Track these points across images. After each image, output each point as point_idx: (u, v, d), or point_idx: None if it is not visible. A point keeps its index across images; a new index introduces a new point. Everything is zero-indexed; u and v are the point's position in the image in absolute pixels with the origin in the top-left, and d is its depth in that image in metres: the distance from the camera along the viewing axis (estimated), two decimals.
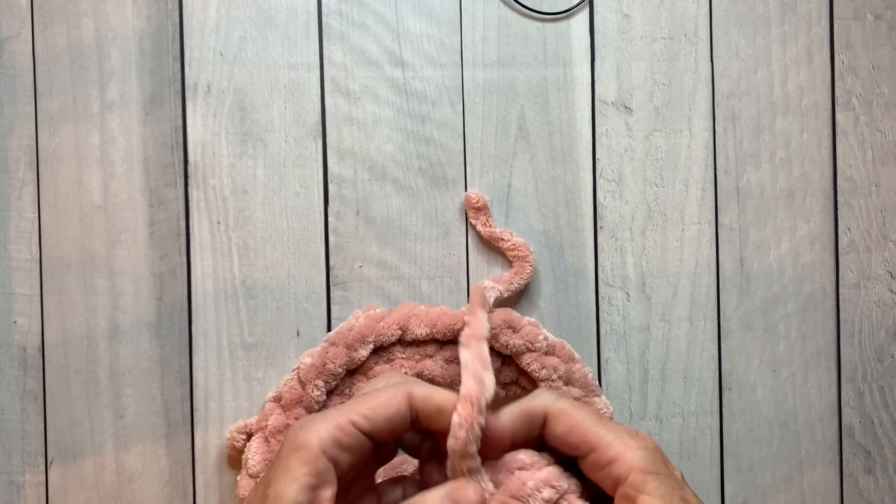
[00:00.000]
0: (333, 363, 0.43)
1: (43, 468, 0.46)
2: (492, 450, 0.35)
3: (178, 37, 0.46)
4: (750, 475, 0.48)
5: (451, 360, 0.45)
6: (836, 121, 0.48)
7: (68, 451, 0.46)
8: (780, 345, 0.48)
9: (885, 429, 0.48)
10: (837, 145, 0.48)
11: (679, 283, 0.47)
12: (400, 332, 0.44)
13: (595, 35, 0.47)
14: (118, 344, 0.46)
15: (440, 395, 0.34)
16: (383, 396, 0.33)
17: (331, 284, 0.46)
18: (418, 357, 0.45)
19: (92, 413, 0.46)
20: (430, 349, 0.45)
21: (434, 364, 0.45)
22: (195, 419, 0.46)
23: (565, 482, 0.34)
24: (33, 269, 0.46)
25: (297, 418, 0.43)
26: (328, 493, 0.32)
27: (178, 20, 0.46)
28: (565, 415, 0.34)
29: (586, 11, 0.47)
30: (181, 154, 0.46)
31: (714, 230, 0.48)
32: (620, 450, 0.33)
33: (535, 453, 0.34)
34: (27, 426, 0.46)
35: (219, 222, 0.46)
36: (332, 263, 0.46)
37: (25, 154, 0.46)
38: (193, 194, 0.46)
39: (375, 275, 0.46)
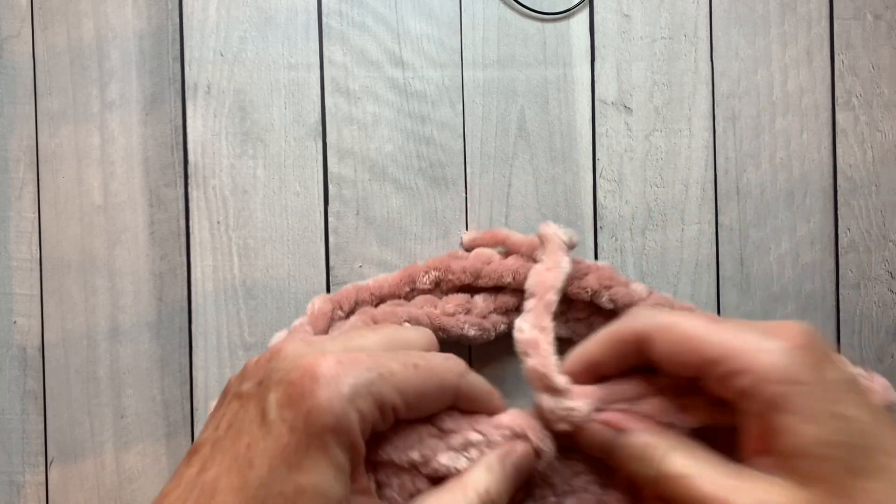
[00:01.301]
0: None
1: (43, 468, 0.46)
2: (582, 379, 0.30)
3: (178, 37, 0.46)
4: None
5: (422, 306, 0.41)
6: (836, 121, 0.48)
7: (68, 451, 0.46)
8: None
9: None
10: (837, 145, 0.48)
11: (679, 283, 0.47)
12: (355, 293, 0.42)
13: (595, 35, 0.47)
14: (118, 344, 0.46)
15: (487, 387, 0.29)
16: (432, 378, 0.26)
17: (331, 284, 0.46)
18: (390, 307, 0.42)
19: (92, 413, 0.46)
20: (398, 301, 0.42)
21: (407, 310, 0.41)
22: (195, 419, 0.46)
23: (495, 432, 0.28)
24: (33, 269, 0.46)
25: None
26: (361, 467, 0.25)
27: (178, 20, 0.46)
28: (668, 330, 0.27)
29: (586, 11, 0.47)
30: (181, 154, 0.46)
31: (714, 230, 0.48)
32: (749, 357, 0.25)
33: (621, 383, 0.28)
34: (27, 426, 0.46)
35: (219, 222, 0.46)
36: (332, 263, 0.46)
37: (25, 154, 0.46)
38: (193, 194, 0.46)
39: (375, 275, 0.46)
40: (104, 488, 0.46)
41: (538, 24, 0.47)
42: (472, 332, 0.42)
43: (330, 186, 0.46)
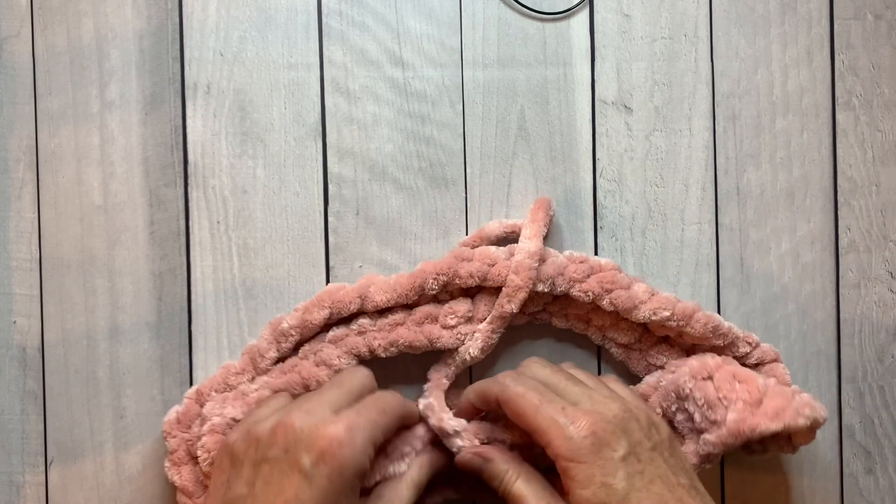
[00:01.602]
0: (287, 323, 0.43)
1: (43, 468, 0.46)
2: (460, 413, 0.43)
3: (178, 37, 0.46)
4: (750, 475, 0.48)
5: (422, 322, 0.44)
6: (836, 121, 0.48)
7: (68, 451, 0.46)
8: (780, 345, 0.48)
9: (885, 429, 0.48)
10: (837, 145, 0.48)
11: (679, 283, 0.47)
12: (360, 300, 0.43)
13: (595, 35, 0.47)
14: (118, 344, 0.46)
15: (411, 405, 0.42)
16: (393, 415, 0.39)
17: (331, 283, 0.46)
18: (389, 327, 0.44)
19: (92, 413, 0.46)
20: (399, 316, 0.44)
21: (407, 331, 0.44)
22: None
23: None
24: (33, 269, 0.46)
25: (241, 365, 0.44)
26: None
27: (178, 20, 0.46)
28: (511, 403, 0.39)
29: (586, 11, 0.47)
30: (181, 154, 0.46)
31: (714, 230, 0.48)
32: (553, 438, 0.37)
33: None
34: (27, 426, 0.46)
35: (219, 222, 0.46)
36: (332, 263, 0.46)
37: (25, 154, 0.46)
38: (193, 194, 0.46)
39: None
40: (104, 488, 0.46)
41: (538, 24, 0.47)
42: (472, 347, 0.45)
43: (330, 186, 0.46)
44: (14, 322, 0.46)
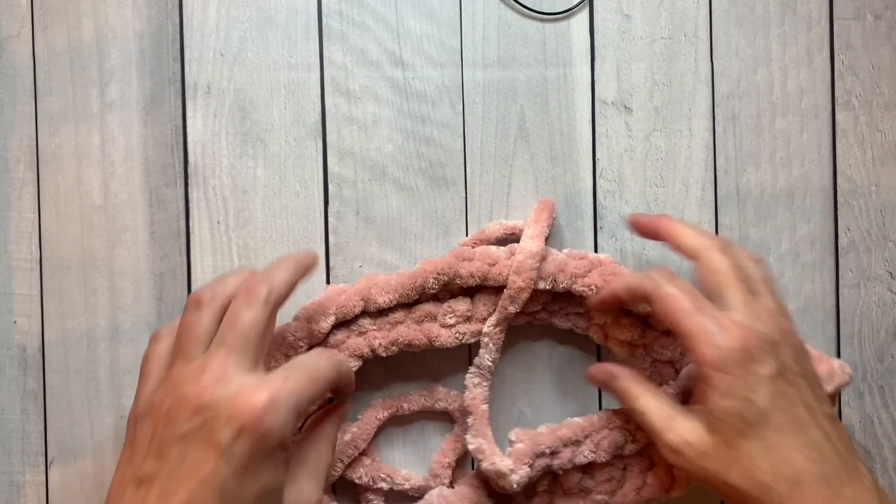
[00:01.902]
0: (294, 335, 0.43)
1: (43, 468, 0.46)
2: (602, 306, 0.43)
3: (178, 37, 0.46)
4: None
5: (422, 321, 0.44)
6: (836, 121, 0.48)
7: (68, 451, 0.46)
8: None
9: (885, 429, 0.48)
10: (837, 145, 0.48)
11: None
12: (363, 302, 0.43)
13: (595, 35, 0.47)
14: (118, 344, 0.46)
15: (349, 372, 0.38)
16: (323, 380, 0.35)
17: (331, 284, 0.46)
18: (389, 326, 0.44)
19: (92, 413, 0.46)
20: (399, 315, 0.44)
21: (407, 329, 0.44)
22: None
23: None
24: (33, 269, 0.46)
25: None
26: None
27: (178, 20, 0.46)
28: (662, 302, 0.38)
29: (586, 11, 0.47)
30: (181, 154, 0.46)
31: (714, 230, 0.48)
32: (701, 344, 0.37)
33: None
34: (27, 426, 0.46)
35: (219, 222, 0.46)
36: (332, 263, 0.46)
37: (25, 154, 0.46)
38: (193, 194, 0.46)
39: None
40: (104, 488, 0.46)
41: (538, 24, 0.47)
42: (471, 341, 0.44)
43: (330, 186, 0.46)
44: (14, 322, 0.46)
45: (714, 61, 0.48)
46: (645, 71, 0.47)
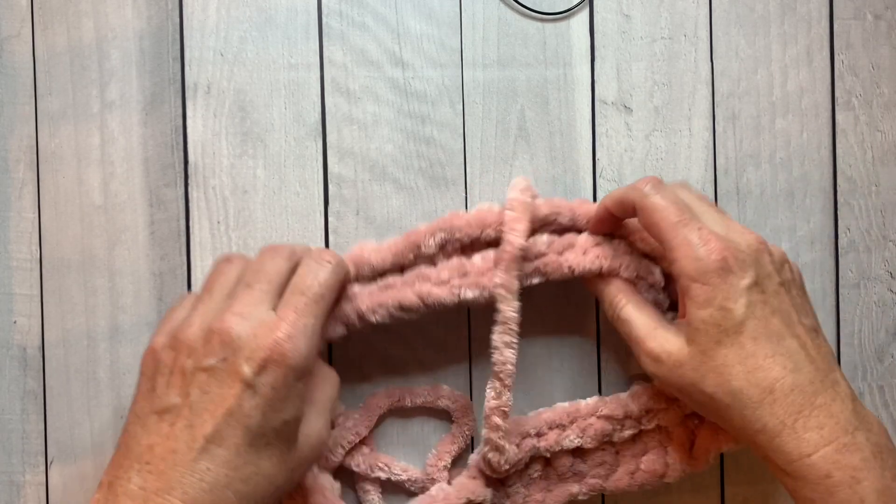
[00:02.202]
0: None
1: (43, 468, 0.46)
2: (598, 226, 0.43)
3: (178, 37, 0.46)
4: (750, 475, 0.48)
5: (413, 282, 0.42)
6: (836, 121, 0.48)
7: (68, 451, 0.46)
8: None
9: None
10: (837, 145, 0.48)
11: None
12: (353, 267, 0.42)
13: (595, 35, 0.47)
14: (118, 344, 0.46)
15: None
16: (331, 297, 0.38)
17: None
18: (378, 291, 0.42)
19: (92, 413, 0.46)
20: (390, 280, 0.42)
21: (396, 291, 0.42)
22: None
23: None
24: (33, 269, 0.46)
25: None
26: None
27: (178, 20, 0.46)
28: (648, 212, 0.39)
29: (586, 11, 0.47)
30: (181, 154, 0.46)
31: None
32: (682, 256, 0.38)
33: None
34: (27, 426, 0.46)
35: (219, 222, 0.46)
36: None
37: (25, 154, 0.46)
38: (193, 194, 0.46)
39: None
40: None
41: (538, 24, 0.47)
42: (469, 295, 0.42)
43: (330, 186, 0.46)
44: (14, 322, 0.46)
45: (714, 61, 0.48)
46: (645, 71, 0.47)
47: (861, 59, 0.48)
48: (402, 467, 0.45)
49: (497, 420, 0.41)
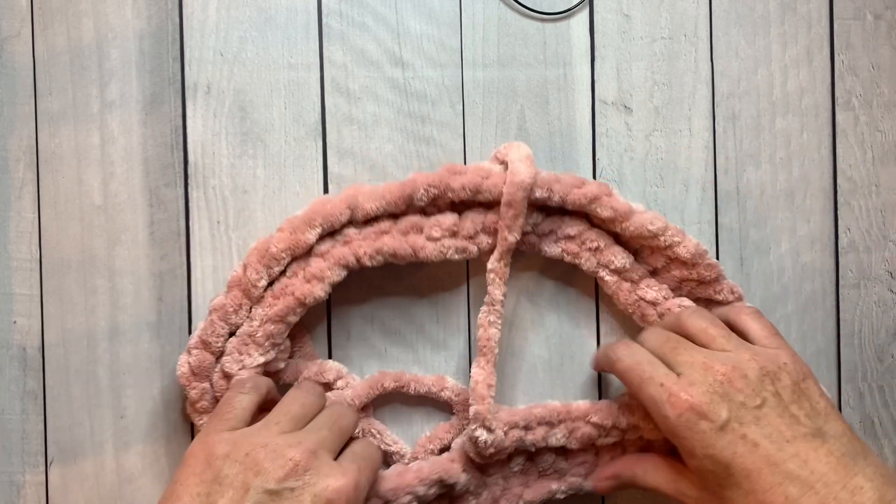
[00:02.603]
0: (276, 247, 0.42)
1: (43, 468, 0.46)
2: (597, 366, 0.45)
3: (178, 37, 0.46)
4: None
5: (408, 232, 0.43)
6: (836, 121, 0.48)
7: (68, 451, 0.46)
8: None
9: (885, 429, 0.48)
10: (837, 145, 0.48)
11: None
12: (349, 210, 0.43)
13: (595, 35, 0.47)
14: (118, 344, 0.46)
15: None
16: (374, 449, 0.42)
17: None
18: (374, 235, 0.43)
19: (92, 413, 0.46)
20: (385, 225, 0.44)
21: (392, 239, 0.43)
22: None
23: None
24: (33, 269, 0.46)
25: (235, 301, 0.43)
26: None
27: (178, 20, 0.46)
28: (620, 375, 0.42)
29: (586, 11, 0.47)
30: (181, 154, 0.46)
31: (714, 230, 0.48)
32: (653, 414, 0.40)
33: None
34: (27, 426, 0.46)
35: (219, 222, 0.46)
36: None
37: (25, 154, 0.46)
38: (193, 194, 0.46)
39: (375, 274, 0.46)
40: (104, 488, 0.46)
41: (538, 24, 0.47)
42: (455, 257, 0.44)
43: (330, 186, 0.46)
44: (14, 322, 0.46)
45: (714, 61, 0.48)
46: (645, 71, 0.47)
47: (861, 59, 0.48)
48: (392, 439, 0.45)
49: (483, 391, 0.42)
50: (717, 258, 0.47)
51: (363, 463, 0.40)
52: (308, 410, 0.41)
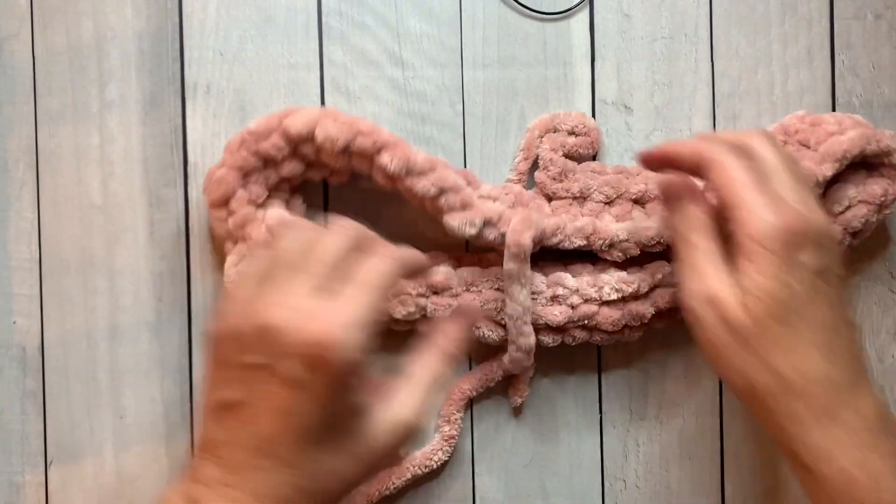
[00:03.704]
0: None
1: (43, 468, 0.46)
2: (652, 159, 0.40)
3: (177, 37, 0.46)
4: (750, 475, 0.48)
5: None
6: None
7: (68, 451, 0.46)
8: None
9: None
10: None
11: None
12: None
13: (595, 35, 0.47)
14: (118, 344, 0.46)
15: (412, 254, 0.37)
16: (387, 286, 0.34)
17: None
18: None
19: (92, 413, 0.46)
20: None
21: None
22: (195, 419, 0.46)
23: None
24: (33, 269, 0.46)
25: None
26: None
27: (177, 20, 0.46)
28: (718, 169, 0.37)
29: (586, 11, 0.47)
30: (181, 154, 0.46)
31: None
32: (749, 217, 0.35)
33: None
34: (27, 426, 0.46)
35: None
36: None
37: (25, 154, 0.46)
38: (193, 194, 0.46)
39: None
40: (104, 489, 0.46)
41: (538, 24, 0.47)
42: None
43: (329, 191, 0.46)
44: (14, 322, 0.46)
45: (714, 61, 0.48)
46: (645, 71, 0.47)
47: (861, 59, 0.48)
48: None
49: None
50: None
51: (358, 290, 0.33)
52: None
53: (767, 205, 0.35)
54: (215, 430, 0.33)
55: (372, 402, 0.34)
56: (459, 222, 0.41)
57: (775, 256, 0.35)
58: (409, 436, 0.35)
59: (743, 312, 0.35)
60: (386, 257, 0.35)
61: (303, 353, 0.31)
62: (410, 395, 0.35)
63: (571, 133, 0.45)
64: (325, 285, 0.33)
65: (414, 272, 0.38)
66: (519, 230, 0.41)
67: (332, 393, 0.32)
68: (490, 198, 0.43)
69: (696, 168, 0.38)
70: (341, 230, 0.35)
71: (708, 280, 0.36)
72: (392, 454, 0.35)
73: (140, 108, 0.46)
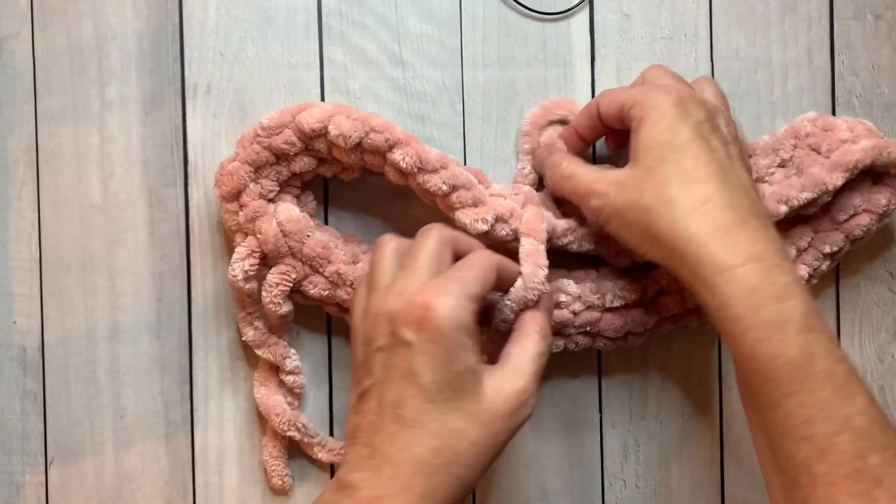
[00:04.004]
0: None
1: (43, 468, 0.46)
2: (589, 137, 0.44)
3: (177, 37, 0.46)
4: (750, 475, 0.48)
5: None
6: None
7: (68, 451, 0.46)
8: None
9: None
10: None
11: None
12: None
13: (595, 35, 0.47)
14: (118, 344, 0.46)
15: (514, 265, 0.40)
16: (486, 269, 0.37)
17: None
18: None
19: (92, 413, 0.46)
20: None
21: None
22: (195, 419, 0.46)
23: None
24: (33, 269, 0.46)
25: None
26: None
27: (177, 20, 0.46)
28: (608, 94, 0.42)
29: (586, 11, 0.47)
30: (181, 154, 0.46)
31: None
32: (639, 93, 0.40)
33: None
34: (27, 426, 0.46)
35: (219, 222, 0.46)
36: None
37: (25, 154, 0.46)
38: (193, 194, 0.46)
39: None
40: (104, 488, 0.46)
41: (538, 24, 0.47)
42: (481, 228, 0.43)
43: (330, 187, 0.46)
44: (14, 322, 0.46)
45: (714, 61, 0.48)
46: None
47: (861, 59, 0.48)
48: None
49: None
50: None
51: (453, 270, 0.37)
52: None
53: (655, 88, 0.40)
54: (355, 419, 0.37)
55: (485, 369, 0.37)
56: (471, 219, 0.41)
57: (663, 112, 0.38)
58: (523, 403, 0.37)
59: (634, 169, 0.39)
60: (483, 250, 0.39)
61: (411, 319, 0.35)
62: (519, 365, 0.37)
63: (564, 122, 0.45)
64: (431, 272, 0.37)
65: (507, 281, 0.40)
66: (533, 221, 0.41)
67: (443, 351, 0.35)
68: (501, 196, 0.43)
69: (593, 117, 0.43)
70: (435, 230, 0.39)
71: (596, 184, 0.40)
72: (510, 424, 0.37)
73: (140, 108, 0.46)
